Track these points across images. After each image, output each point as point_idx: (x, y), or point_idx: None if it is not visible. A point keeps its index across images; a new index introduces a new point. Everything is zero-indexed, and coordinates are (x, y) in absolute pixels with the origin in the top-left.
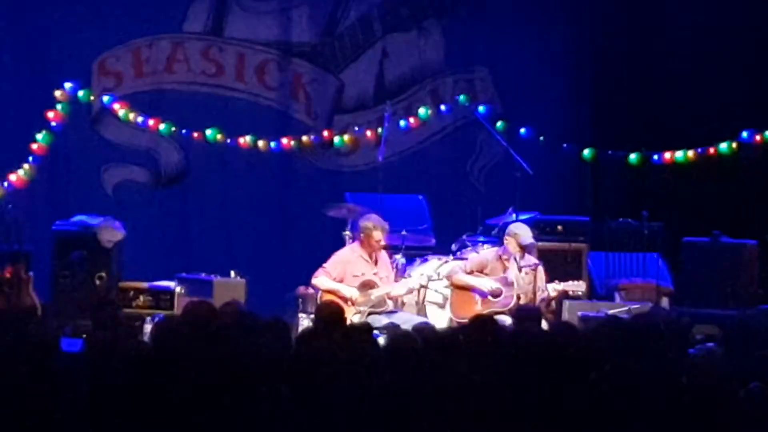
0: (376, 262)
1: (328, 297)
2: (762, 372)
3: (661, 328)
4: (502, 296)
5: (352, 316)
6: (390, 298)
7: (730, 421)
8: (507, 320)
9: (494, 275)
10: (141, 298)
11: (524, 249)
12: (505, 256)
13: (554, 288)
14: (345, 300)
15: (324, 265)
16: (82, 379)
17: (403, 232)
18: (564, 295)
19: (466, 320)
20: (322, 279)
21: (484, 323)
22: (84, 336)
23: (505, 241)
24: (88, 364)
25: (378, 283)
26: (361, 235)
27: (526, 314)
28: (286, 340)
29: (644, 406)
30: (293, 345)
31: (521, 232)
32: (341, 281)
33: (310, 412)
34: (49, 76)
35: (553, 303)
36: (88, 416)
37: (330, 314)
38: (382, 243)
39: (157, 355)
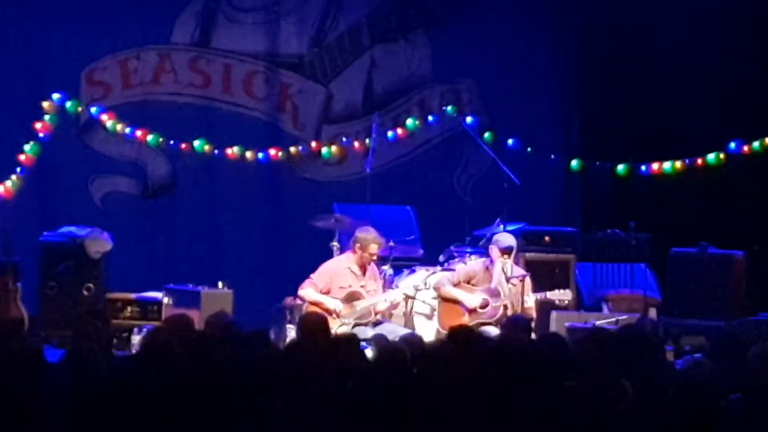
0: (364, 274)
1: (312, 308)
2: (748, 383)
3: (648, 338)
4: (489, 307)
5: (338, 328)
6: (377, 313)
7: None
8: (493, 331)
9: (482, 286)
10: (129, 309)
11: (505, 253)
12: (492, 267)
13: (534, 299)
14: (329, 312)
15: (311, 276)
16: (66, 391)
17: (391, 243)
18: (551, 304)
19: None
20: (308, 290)
21: (465, 334)
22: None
23: (489, 251)
24: (70, 375)
25: (364, 294)
26: (357, 245)
27: (515, 324)
28: (271, 351)
29: (630, 417)
30: (280, 356)
31: (501, 237)
32: (328, 292)
33: (296, 423)
34: (36, 87)
35: (534, 313)
36: (72, 426)
37: (314, 324)
38: (375, 258)
39: (142, 367)
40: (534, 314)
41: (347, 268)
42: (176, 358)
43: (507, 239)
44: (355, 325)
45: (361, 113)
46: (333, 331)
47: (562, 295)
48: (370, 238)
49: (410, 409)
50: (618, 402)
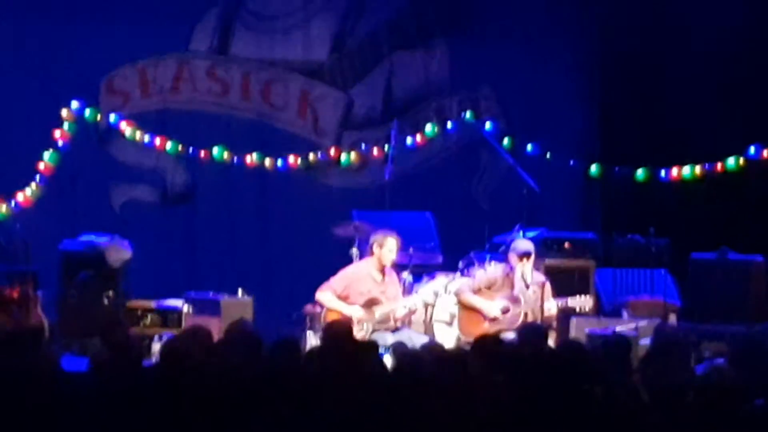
0: (384, 280)
1: (333, 314)
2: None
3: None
4: (510, 314)
5: (356, 333)
6: (395, 320)
7: None
8: (513, 337)
9: (502, 292)
10: (149, 317)
11: (523, 257)
12: (512, 274)
13: (554, 305)
14: (347, 318)
15: (330, 279)
16: (87, 399)
17: (411, 250)
18: (572, 311)
19: (473, 339)
20: (326, 294)
21: (488, 342)
22: (90, 355)
23: (508, 258)
24: (93, 384)
25: (383, 300)
26: (375, 245)
27: (531, 331)
28: (295, 359)
29: (651, 422)
30: (301, 364)
31: (518, 243)
32: (346, 297)
33: (316, 429)
34: (55, 96)
35: (554, 322)
36: None
37: (338, 332)
38: (394, 256)
39: (163, 376)
40: (554, 321)
41: (368, 274)
42: (196, 367)
43: (524, 244)
44: (374, 330)
45: (381, 120)
46: None
47: (582, 302)
48: (386, 234)
49: (430, 417)
50: (637, 407)
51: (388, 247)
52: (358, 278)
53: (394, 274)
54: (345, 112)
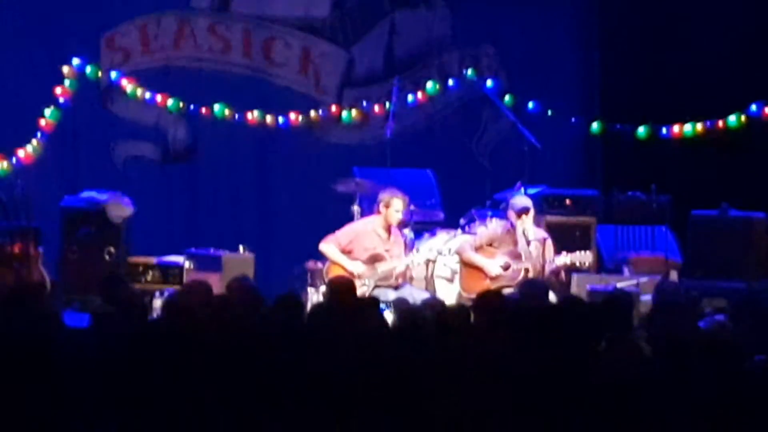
0: (389, 239)
1: (335, 268)
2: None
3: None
4: (511, 270)
5: (358, 288)
6: (397, 277)
7: (738, 394)
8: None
9: (503, 249)
10: (150, 273)
11: (521, 214)
12: (513, 230)
13: (562, 259)
14: (349, 274)
15: (336, 232)
16: (89, 355)
17: (412, 207)
18: (573, 266)
19: (474, 295)
20: (330, 247)
21: (490, 299)
22: (91, 311)
23: (507, 215)
24: (95, 340)
25: (387, 258)
26: (381, 204)
27: (532, 287)
28: (297, 315)
29: (654, 379)
30: (303, 320)
31: (515, 200)
32: (350, 252)
33: (317, 386)
34: (56, 53)
35: (563, 274)
36: (93, 391)
37: (341, 287)
38: (400, 215)
39: (165, 331)
40: (562, 272)
41: (373, 230)
42: (197, 322)
43: (521, 200)
44: (376, 286)
45: (382, 77)
46: None
47: (582, 258)
48: (394, 194)
49: (431, 373)
50: (639, 363)
51: (394, 207)
52: (364, 233)
53: (399, 234)
54: (346, 69)
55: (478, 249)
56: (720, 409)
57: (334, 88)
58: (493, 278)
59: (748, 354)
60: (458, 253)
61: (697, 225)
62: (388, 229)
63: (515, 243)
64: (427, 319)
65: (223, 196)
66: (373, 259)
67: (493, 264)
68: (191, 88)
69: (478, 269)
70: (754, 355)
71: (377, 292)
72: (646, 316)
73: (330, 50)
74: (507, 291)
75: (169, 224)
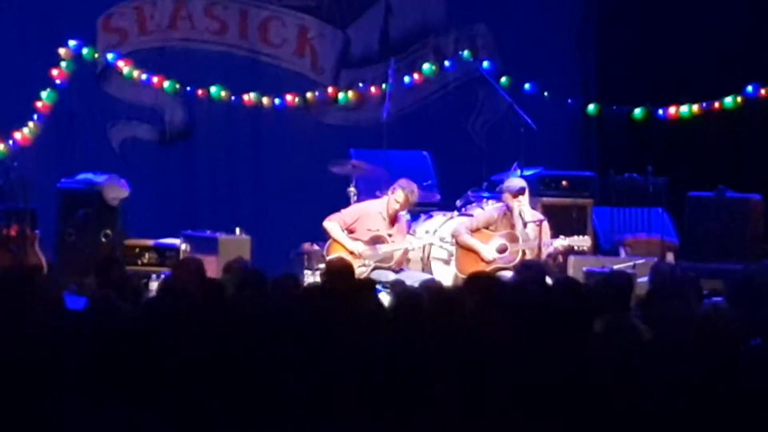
0: (392, 224)
1: (336, 246)
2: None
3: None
4: (507, 252)
5: (357, 268)
6: (398, 261)
7: (735, 377)
8: (511, 276)
9: (500, 231)
10: (146, 255)
11: (518, 195)
12: (509, 212)
13: (560, 243)
14: (350, 252)
15: (341, 210)
16: (87, 337)
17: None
18: (570, 250)
19: None
20: (334, 225)
21: (482, 280)
22: (88, 294)
23: (503, 198)
24: (91, 322)
25: (388, 241)
26: (390, 189)
27: (528, 269)
28: (295, 296)
29: (649, 361)
30: (299, 301)
31: (510, 182)
32: (353, 231)
33: (314, 369)
34: (52, 34)
35: (560, 257)
36: (92, 374)
37: (338, 269)
38: (398, 207)
39: (161, 313)
40: (560, 256)
41: (378, 213)
42: (192, 302)
43: (516, 182)
44: (375, 268)
45: (378, 58)
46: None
47: (580, 242)
48: (402, 187)
49: (427, 354)
50: (637, 345)
51: (396, 197)
52: (369, 215)
53: (404, 223)
54: (342, 50)
55: (474, 231)
56: (716, 393)
57: (331, 69)
58: (488, 262)
59: (744, 337)
60: (454, 236)
61: (694, 207)
62: (394, 216)
63: (512, 226)
64: (424, 301)
65: (220, 178)
66: (375, 241)
67: (488, 248)
68: (188, 70)
69: (474, 252)
70: (749, 338)
71: (376, 274)
72: (642, 297)
73: (326, 31)
74: (504, 273)
75: (165, 206)
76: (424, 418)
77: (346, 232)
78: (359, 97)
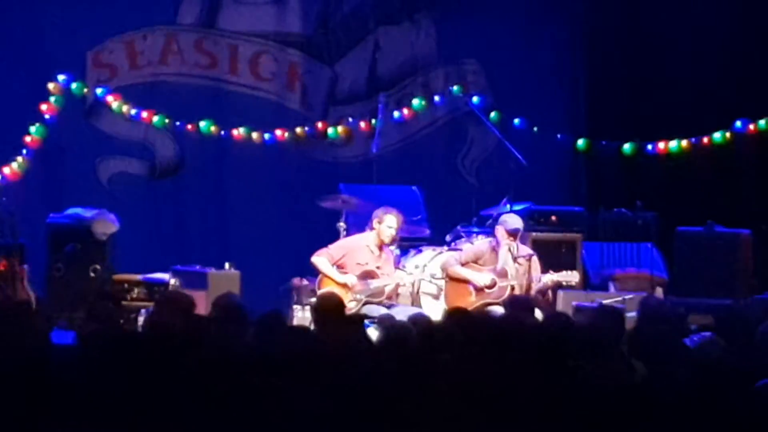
0: (380, 256)
1: (327, 281)
2: (756, 362)
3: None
4: (497, 287)
5: (348, 302)
6: (389, 295)
7: (734, 414)
8: (500, 311)
9: (489, 266)
10: (135, 290)
11: (512, 235)
12: (498, 248)
13: (549, 278)
14: (341, 286)
15: (329, 246)
16: (75, 372)
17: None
18: (558, 285)
19: None
20: (322, 260)
21: (472, 315)
22: (77, 329)
23: (495, 231)
24: (80, 357)
25: (379, 275)
26: (375, 220)
27: (517, 304)
28: (281, 333)
29: (641, 397)
30: (287, 337)
31: (508, 218)
32: (342, 267)
33: (302, 404)
34: (42, 69)
35: (549, 293)
36: (81, 409)
37: (330, 306)
38: (393, 232)
39: (148, 347)
40: (549, 291)
41: (366, 246)
42: (177, 339)
43: (514, 221)
44: (366, 302)
45: (365, 95)
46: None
47: (568, 277)
48: (388, 211)
49: (415, 389)
50: (628, 383)
51: (387, 223)
52: (357, 249)
53: (391, 252)
54: (330, 87)
55: (463, 265)
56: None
57: (320, 104)
58: (478, 293)
59: (737, 372)
60: (444, 268)
61: (683, 242)
62: (380, 247)
63: (497, 261)
64: (412, 335)
65: (209, 212)
66: (366, 275)
67: (480, 276)
68: (178, 105)
69: (463, 285)
70: (742, 373)
71: (367, 308)
72: (630, 332)
73: (314, 67)
74: (493, 308)
75: (154, 241)
76: None
77: (335, 267)
78: (348, 133)
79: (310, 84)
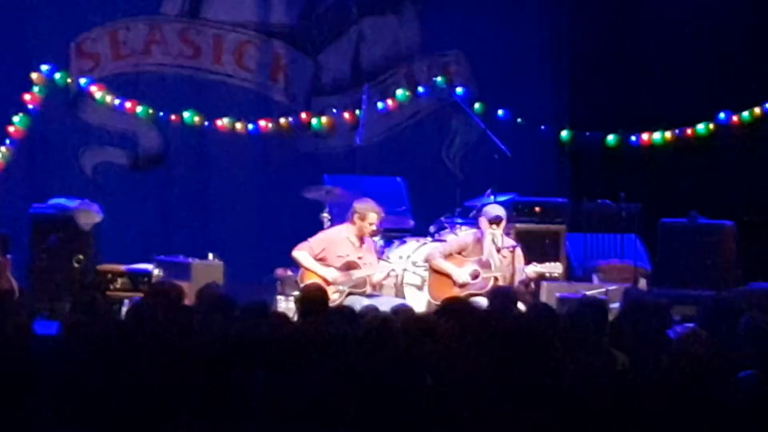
0: (361, 246)
1: (309, 275)
2: (738, 353)
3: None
4: (480, 278)
5: (331, 294)
6: (372, 286)
7: (716, 404)
8: (483, 302)
9: (473, 257)
10: (119, 281)
11: (494, 223)
12: (483, 238)
13: (533, 270)
14: (323, 279)
15: (309, 239)
16: (59, 362)
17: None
18: (542, 276)
19: None
20: (303, 254)
21: (456, 306)
22: (60, 319)
23: (479, 222)
24: (64, 347)
25: (361, 265)
26: (356, 215)
27: (501, 295)
28: (265, 322)
29: (623, 388)
30: (271, 327)
31: (489, 208)
32: (323, 260)
33: (285, 395)
34: (25, 59)
35: (533, 284)
36: (64, 399)
37: (314, 298)
38: (374, 228)
39: (132, 338)
40: (532, 283)
41: (346, 238)
42: (161, 329)
43: (495, 210)
44: (349, 294)
45: (349, 86)
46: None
47: (552, 268)
48: (369, 208)
49: (398, 381)
50: (610, 373)
51: (369, 220)
52: (337, 241)
53: (371, 241)
54: (313, 78)
55: (447, 257)
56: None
57: (303, 95)
58: (461, 286)
59: (721, 363)
60: (427, 260)
61: (666, 233)
62: (361, 238)
63: (482, 252)
64: (396, 326)
65: (193, 203)
66: (348, 267)
67: (461, 272)
68: (162, 95)
69: (446, 277)
70: (726, 365)
71: (350, 300)
72: (613, 322)
73: (297, 58)
74: (476, 299)
75: (138, 231)
76: None
77: (316, 260)
78: (332, 124)
79: (293, 75)
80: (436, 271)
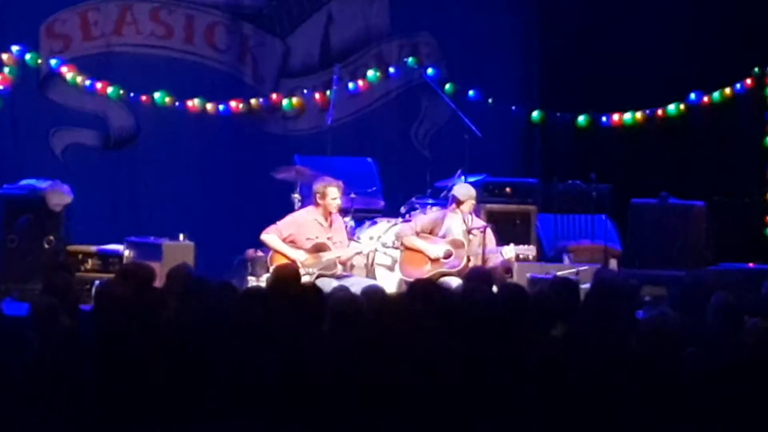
0: (330, 226)
1: (278, 257)
2: (708, 333)
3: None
4: (452, 258)
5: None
6: (341, 263)
7: (678, 385)
8: (455, 282)
9: (443, 236)
10: (89, 262)
11: (462, 203)
12: (453, 218)
13: (512, 250)
14: (292, 261)
15: (277, 222)
16: (28, 344)
17: (352, 195)
18: (516, 258)
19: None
20: (272, 237)
21: (425, 286)
22: (30, 300)
23: (449, 202)
24: (34, 328)
25: (330, 246)
26: (317, 196)
27: (477, 276)
28: (235, 303)
29: (592, 369)
30: (239, 307)
31: (459, 188)
32: (293, 242)
33: (254, 376)
34: None
35: (512, 264)
36: (33, 380)
37: (285, 275)
38: (338, 202)
39: (101, 319)
40: (512, 264)
41: (314, 220)
42: (131, 311)
43: (464, 189)
44: (319, 275)
45: (318, 68)
46: None
47: (526, 251)
48: (326, 183)
49: (367, 362)
50: (576, 353)
51: (330, 196)
52: (305, 223)
53: (340, 220)
54: (282, 60)
55: (418, 235)
56: (656, 400)
57: (272, 77)
58: (433, 263)
59: (689, 343)
60: (399, 237)
61: (637, 213)
62: (328, 218)
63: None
64: (362, 307)
65: (164, 184)
66: (317, 249)
67: (435, 248)
68: (133, 75)
69: (418, 255)
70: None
71: (320, 282)
72: (583, 303)
73: (266, 40)
74: (448, 279)
75: (109, 212)
76: (365, 420)
77: (285, 242)
78: (302, 105)
79: (261, 57)
80: (407, 249)
